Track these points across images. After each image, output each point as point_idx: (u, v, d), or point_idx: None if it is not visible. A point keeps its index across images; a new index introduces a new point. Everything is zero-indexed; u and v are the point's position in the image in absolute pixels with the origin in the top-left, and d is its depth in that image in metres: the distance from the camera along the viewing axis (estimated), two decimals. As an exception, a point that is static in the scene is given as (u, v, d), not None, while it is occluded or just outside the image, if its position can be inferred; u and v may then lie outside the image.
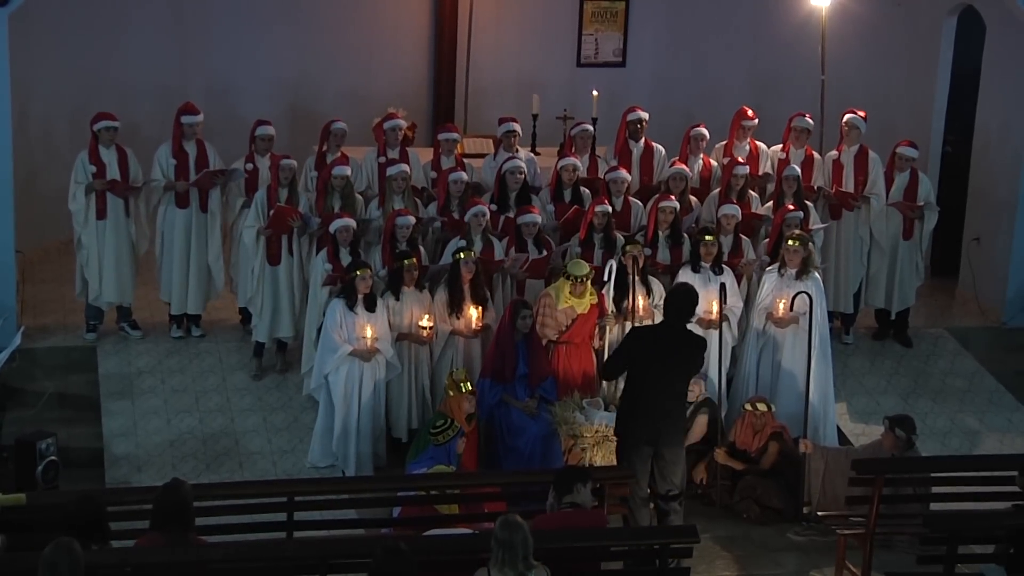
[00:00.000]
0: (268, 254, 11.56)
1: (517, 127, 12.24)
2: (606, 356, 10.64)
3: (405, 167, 11.64)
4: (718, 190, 12.01)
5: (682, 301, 9.58)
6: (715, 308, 10.91)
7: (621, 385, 10.61)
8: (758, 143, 12.60)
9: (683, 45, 15.32)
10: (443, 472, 9.57)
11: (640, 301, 10.79)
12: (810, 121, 12.46)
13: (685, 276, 11.16)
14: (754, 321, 11.22)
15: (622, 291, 10.85)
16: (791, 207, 11.50)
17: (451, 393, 10.33)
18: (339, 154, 11.98)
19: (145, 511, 7.84)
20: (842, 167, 12.44)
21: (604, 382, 10.60)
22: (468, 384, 10.36)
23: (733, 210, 11.55)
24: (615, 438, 9.70)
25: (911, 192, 12.41)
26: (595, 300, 10.78)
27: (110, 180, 11.69)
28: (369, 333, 10.56)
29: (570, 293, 10.69)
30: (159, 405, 11.39)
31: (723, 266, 11.22)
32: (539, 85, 14.03)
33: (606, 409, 10.22)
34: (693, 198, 12.02)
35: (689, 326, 10.72)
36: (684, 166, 11.98)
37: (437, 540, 8.31)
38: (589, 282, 10.72)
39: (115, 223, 11.85)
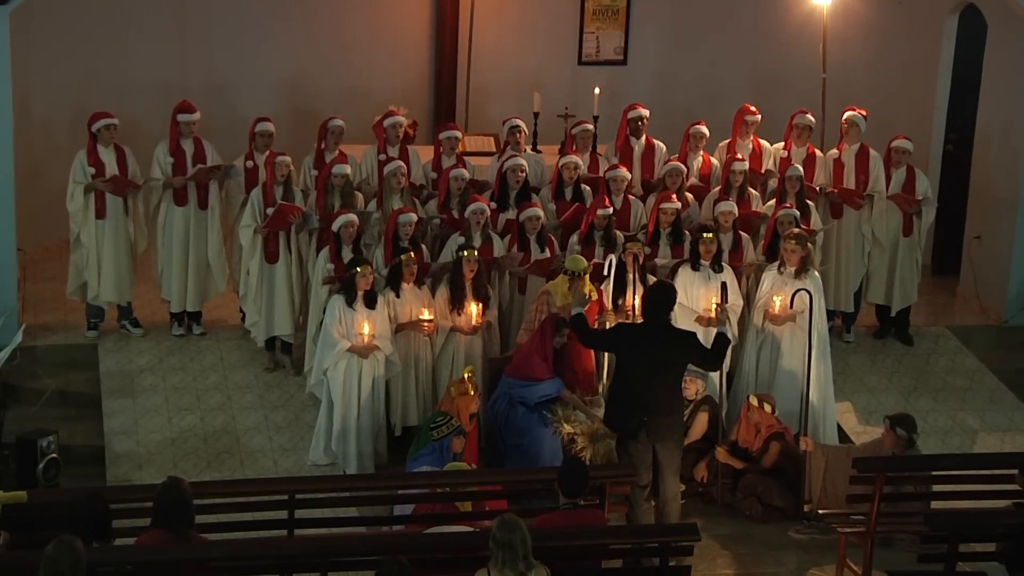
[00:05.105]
0: (266, 252, 11.56)
1: (522, 123, 12.25)
2: (605, 354, 10.67)
3: (401, 163, 11.65)
4: (717, 188, 12.02)
5: (658, 299, 9.63)
6: (715, 306, 10.90)
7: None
8: (761, 140, 12.61)
9: (684, 43, 15.32)
10: (445, 470, 9.56)
11: (637, 300, 10.78)
12: (811, 118, 12.46)
13: (684, 274, 11.17)
14: (754, 319, 11.23)
15: (620, 288, 10.86)
16: (787, 206, 11.51)
17: (453, 393, 10.31)
18: (337, 152, 11.98)
19: (146, 509, 7.84)
20: (843, 165, 12.44)
21: (603, 380, 10.62)
22: (471, 386, 10.34)
23: (729, 207, 11.56)
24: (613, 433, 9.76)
25: (909, 188, 12.41)
26: (595, 296, 10.79)
27: (111, 177, 11.70)
28: (366, 329, 10.57)
29: (569, 289, 10.72)
30: (160, 403, 11.39)
31: (723, 264, 11.22)
32: (540, 83, 14.02)
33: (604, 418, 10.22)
34: (690, 195, 12.04)
35: (689, 325, 10.77)
36: (679, 162, 11.99)
37: (437, 538, 8.32)
38: (588, 277, 10.75)
39: (114, 222, 11.85)
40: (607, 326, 10.71)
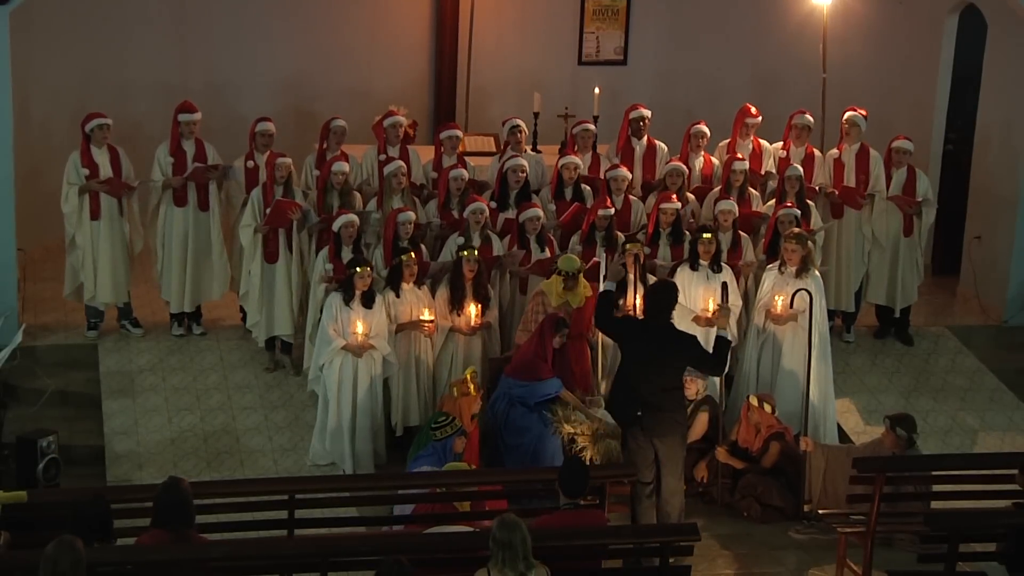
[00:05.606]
0: (265, 251, 11.55)
1: (522, 123, 12.27)
2: (600, 353, 10.68)
3: (402, 163, 11.66)
4: (718, 188, 12.02)
5: (659, 298, 9.62)
6: (713, 306, 10.91)
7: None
8: (761, 141, 12.61)
9: (684, 43, 15.32)
10: (446, 470, 9.56)
11: (638, 300, 10.78)
12: (810, 119, 12.47)
13: (684, 274, 11.17)
14: (754, 319, 11.24)
15: (620, 288, 10.86)
16: (787, 205, 11.52)
17: (455, 393, 10.30)
18: (339, 152, 11.99)
19: (146, 509, 7.84)
20: (843, 165, 12.44)
21: (599, 377, 10.63)
22: (473, 386, 10.34)
23: (729, 206, 11.57)
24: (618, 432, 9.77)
25: (909, 189, 12.42)
26: (590, 293, 10.80)
27: (106, 179, 11.69)
28: (360, 329, 10.57)
29: (563, 289, 10.73)
30: (160, 403, 11.39)
31: (723, 264, 11.22)
32: (540, 83, 14.03)
33: (605, 406, 10.24)
34: (691, 195, 12.04)
35: (687, 324, 10.77)
36: (679, 162, 12.00)
37: (437, 538, 8.32)
38: (582, 276, 10.76)
39: (109, 223, 11.84)
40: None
